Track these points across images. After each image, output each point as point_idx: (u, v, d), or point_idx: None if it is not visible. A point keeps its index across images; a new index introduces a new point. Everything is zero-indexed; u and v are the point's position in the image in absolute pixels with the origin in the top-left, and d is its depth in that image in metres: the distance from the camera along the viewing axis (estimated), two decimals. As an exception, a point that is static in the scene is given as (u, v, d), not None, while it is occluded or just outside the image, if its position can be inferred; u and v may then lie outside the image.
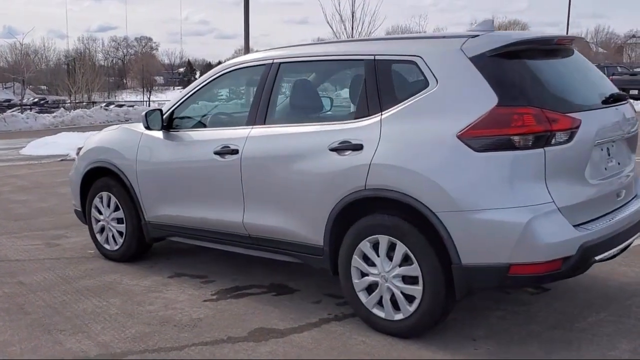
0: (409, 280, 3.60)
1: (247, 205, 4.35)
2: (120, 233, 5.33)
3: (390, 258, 3.66)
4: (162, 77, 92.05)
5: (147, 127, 4.84)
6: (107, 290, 4.76)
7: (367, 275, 3.78)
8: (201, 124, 4.96)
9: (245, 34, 18.20)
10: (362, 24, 26.15)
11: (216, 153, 4.45)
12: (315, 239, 4.01)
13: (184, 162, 4.72)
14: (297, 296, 4.53)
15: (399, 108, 3.67)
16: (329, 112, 4.93)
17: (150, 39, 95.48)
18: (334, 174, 3.82)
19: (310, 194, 3.97)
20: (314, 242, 4.03)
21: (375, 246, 3.72)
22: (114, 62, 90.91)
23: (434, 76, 3.57)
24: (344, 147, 3.79)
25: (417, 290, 3.56)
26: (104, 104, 31.41)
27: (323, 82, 4.86)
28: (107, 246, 5.48)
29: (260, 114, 4.34)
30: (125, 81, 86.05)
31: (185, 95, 4.91)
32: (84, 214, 5.67)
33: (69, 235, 6.48)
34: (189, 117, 5.01)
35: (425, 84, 3.61)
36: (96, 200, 5.46)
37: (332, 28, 26.24)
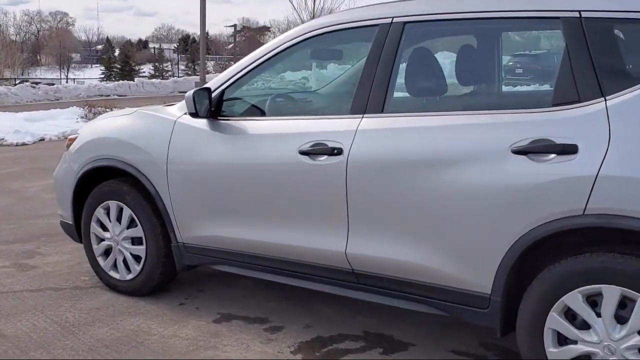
0: None
1: (353, 228, 3.02)
2: (137, 257, 3.87)
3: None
4: (79, 55, 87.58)
5: (195, 114, 3.39)
6: (134, 346, 3.32)
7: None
8: (271, 111, 3.55)
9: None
10: None
11: (304, 153, 3.09)
12: (477, 283, 2.75)
13: (248, 163, 3.32)
14: (416, 353, 3.23)
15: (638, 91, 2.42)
16: (505, 96, 3.61)
17: (66, 14, 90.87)
18: (523, 190, 2.56)
19: (474, 217, 2.69)
20: (473, 289, 2.77)
21: (595, 303, 2.49)
22: (27, 37, 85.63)
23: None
24: (540, 149, 2.52)
25: None
26: (29, 82, 28.64)
27: (487, 51, 3.51)
28: (114, 274, 4.00)
29: (375, 97, 3.00)
30: (39, 58, 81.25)
31: (243, 69, 3.49)
32: (77, 230, 4.16)
33: (44, 252, 4.92)
34: (249, 100, 3.60)
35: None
36: (99, 212, 3.97)
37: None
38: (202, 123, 3.51)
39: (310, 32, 3.31)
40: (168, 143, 3.59)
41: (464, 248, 2.75)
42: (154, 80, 31.96)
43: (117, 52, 69.63)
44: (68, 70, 67.83)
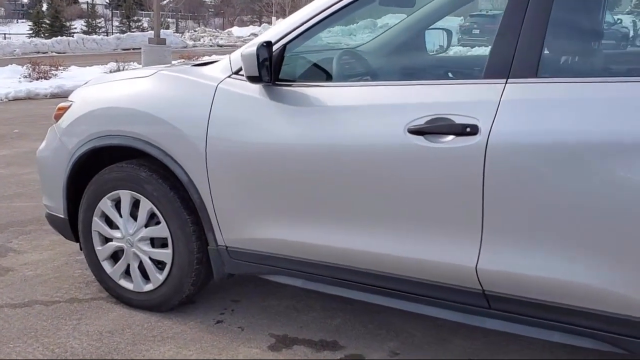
0: None
1: (489, 236, 2.22)
2: (160, 264, 2.97)
3: None
4: (2, 9, 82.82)
5: (258, 77, 2.48)
6: (177, 392, 2.45)
7: None
8: (358, 73, 2.67)
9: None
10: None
11: (416, 132, 2.24)
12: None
13: (329, 146, 2.44)
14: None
15: None
16: None
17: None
18: None
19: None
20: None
21: None
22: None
23: None
24: None
25: None
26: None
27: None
28: (126, 284, 3.09)
29: (524, 55, 2.16)
30: (-48, 12, 76.39)
31: (311, 18, 2.58)
32: (72, 226, 3.21)
33: (18, 248, 3.94)
34: (321, 59, 2.71)
35: None
36: (105, 205, 3.03)
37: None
38: (255, 90, 2.60)
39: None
40: (208, 116, 2.68)
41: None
42: (95, 36, 29.94)
43: (44, 7, 65.84)
44: (-11, 25, 63.98)
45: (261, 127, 2.57)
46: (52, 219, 3.33)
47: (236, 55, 2.72)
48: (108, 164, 3.07)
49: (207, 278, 2.99)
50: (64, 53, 24.53)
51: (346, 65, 2.74)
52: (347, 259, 2.51)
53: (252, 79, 2.50)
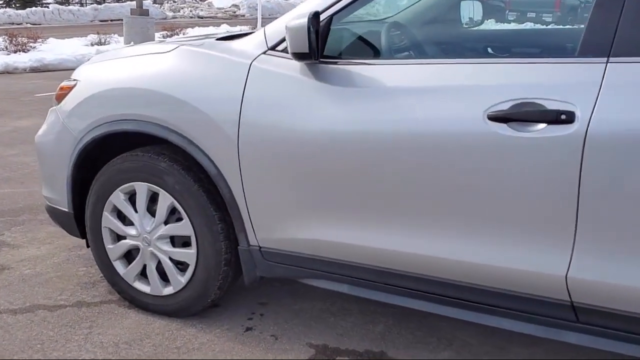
0: None
1: (583, 242, 1.92)
2: (181, 265, 2.63)
3: None
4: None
5: (307, 54, 2.12)
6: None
7: None
8: (422, 49, 2.32)
9: None
10: None
11: (497, 118, 1.91)
12: None
13: (388, 134, 2.10)
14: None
15: None
16: None
17: None
18: None
19: None
20: None
21: None
22: None
23: None
24: None
25: None
26: None
27: None
28: (142, 287, 2.75)
29: (630, 27, 1.84)
30: None
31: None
32: (78, 221, 2.85)
33: (12, 241, 3.59)
34: (373, 34, 2.36)
35: None
36: (117, 198, 2.67)
37: None
38: (297, 68, 2.25)
39: None
40: (240, 98, 2.32)
41: None
42: (71, 7, 29.01)
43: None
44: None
45: (306, 111, 2.22)
46: (53, 213, 2.96)
47: (272, 29, 2.36)
48: (116, 152, 2.71)
49: (234, 281, 2.65)
50: (39, 24, 23.72)
51: (403, 40, 2.39)
52: (408, 264, 2.19)
53: (299, 56, 2.14)
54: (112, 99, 2.60)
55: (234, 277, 2.63)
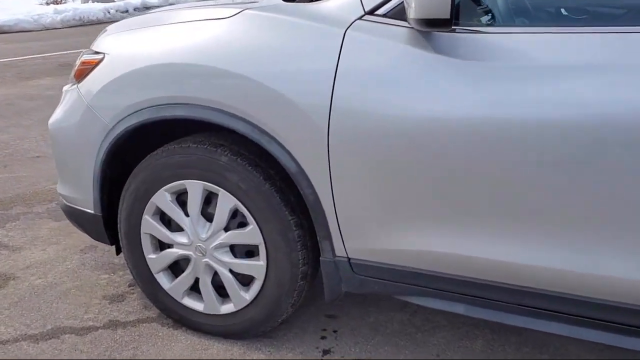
0: None
1: None
2: (246, 279, 2.16)
3: None
4: None
5: (440, 22, 1.64)
6: None
7: None
8: (593, 14, 1.88)
9: None
10: None
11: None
12: None
13: (548, 120, 1.63)
14: None
15: None
16: None
17: None
18: None
19: None
20: None
21: None
22: None
23: None
24: None
25: None
26: None
27: None
28: (193, 304, 2.28)
29: None
30: None
31: None
32: (106, 224, 2.34)
33: (14, 243, 3.06)
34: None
35: None
36: (161, 199, 2.18)
37: None
38: (410, 38, 1.78)
39: None
40: (333, 76, 1.84)
41: None
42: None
43: None
44: None
45: (427, 94, 1.75)
46: (74, 214, 2.45)
47: (372, -13, 1.86)
48: (150, 143, 2.21)
49: (308, 296, 2.20)
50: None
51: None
52: (553, 284, 1.76)
53: (428, 23, 1.66)
54: (156, 78, 2.08)
55: (311, 292, 2.17)
